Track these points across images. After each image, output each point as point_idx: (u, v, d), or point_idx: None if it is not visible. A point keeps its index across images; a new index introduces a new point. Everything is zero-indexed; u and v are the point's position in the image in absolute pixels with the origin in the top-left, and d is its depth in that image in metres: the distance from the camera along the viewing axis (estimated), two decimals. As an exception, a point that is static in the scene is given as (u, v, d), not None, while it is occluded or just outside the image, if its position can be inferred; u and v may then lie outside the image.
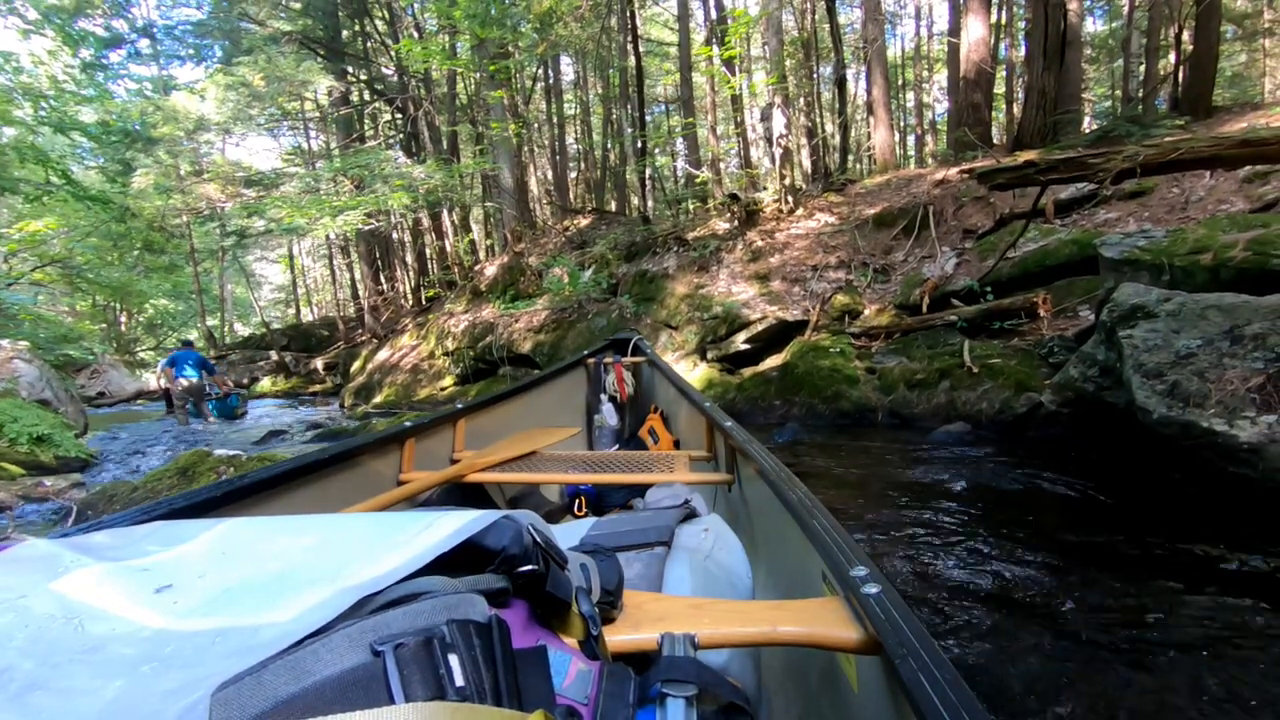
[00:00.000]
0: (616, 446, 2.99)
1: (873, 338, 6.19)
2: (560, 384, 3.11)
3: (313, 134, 19.21)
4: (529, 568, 0.59)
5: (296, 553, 0.59)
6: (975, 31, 10.29)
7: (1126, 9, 15.32)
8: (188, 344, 11.87)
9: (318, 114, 17.09)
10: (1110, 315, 3.34)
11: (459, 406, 2.22)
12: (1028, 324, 5.23)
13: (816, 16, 13.95)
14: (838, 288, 7.16)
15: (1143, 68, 14.64)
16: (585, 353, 3.40)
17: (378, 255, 18.53)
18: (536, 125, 18.43)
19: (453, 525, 0.57)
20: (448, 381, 11.60)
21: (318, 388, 16.76)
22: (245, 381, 18.36)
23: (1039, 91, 9.46)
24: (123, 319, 27.61)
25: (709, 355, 7.07)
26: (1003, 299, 5.53)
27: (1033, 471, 3.50)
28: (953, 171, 8.45)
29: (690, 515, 1.26)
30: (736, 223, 8.84)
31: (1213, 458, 2.53)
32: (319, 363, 17.92)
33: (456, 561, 0.54)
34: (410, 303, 16.73)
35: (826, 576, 0.90)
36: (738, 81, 8.88)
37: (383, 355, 14.16)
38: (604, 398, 3.23)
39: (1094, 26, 19.68)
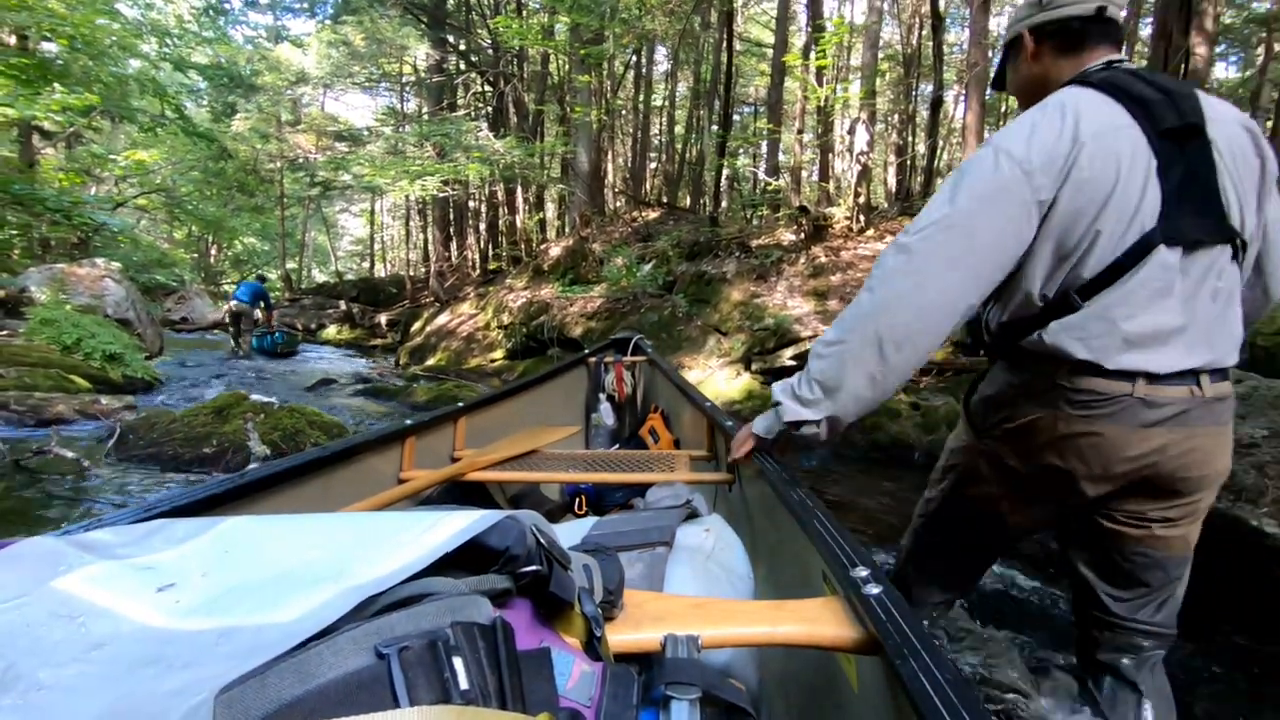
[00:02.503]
0: (616, 446, 2.97)
1: (924, 372, 5.99)
2: (561, 383, 3.11)
3: (408, 97, 19.79)
4: (532, 568, 0.59)
5: (299, 552, 0.59)
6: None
7: (1261, 59, 14.28)
8: (261, 279, 12.49)
9: (414, 78, 17.57)
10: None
11: (459, 405, 2.23)
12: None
13: (923, 33, 13.49)
14: (896, 316, 6.93)
15: (1269, 124, 13.65)
16: (586, 351, 3.41)
17: (451, 221, 18.97)
18: (622, 112, 18.48)
19: (456, 525, 0.57)
20: (498, 354, 11.81)
21: (378, 342, 17.28)
22: (313, 326, 19.08)
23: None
24: (213, 251, 29.11)
25: (753, 366, 6.98)
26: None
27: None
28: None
29: (692, 515, 1.27)
30: (803, 235, 8.67)
31: (1259, 556, 2.35)
32: (383, 318, 18.45)
33: (460, 561, 0.55)
34: (476, 272, 17.06)
35: (827, 576, 0.90)
36: (826, 91, 8.67)
37: (442, 319, 14.49)
38: (602, 397, 3.24)
39: (1225, 72, 18.42)
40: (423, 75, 17.35)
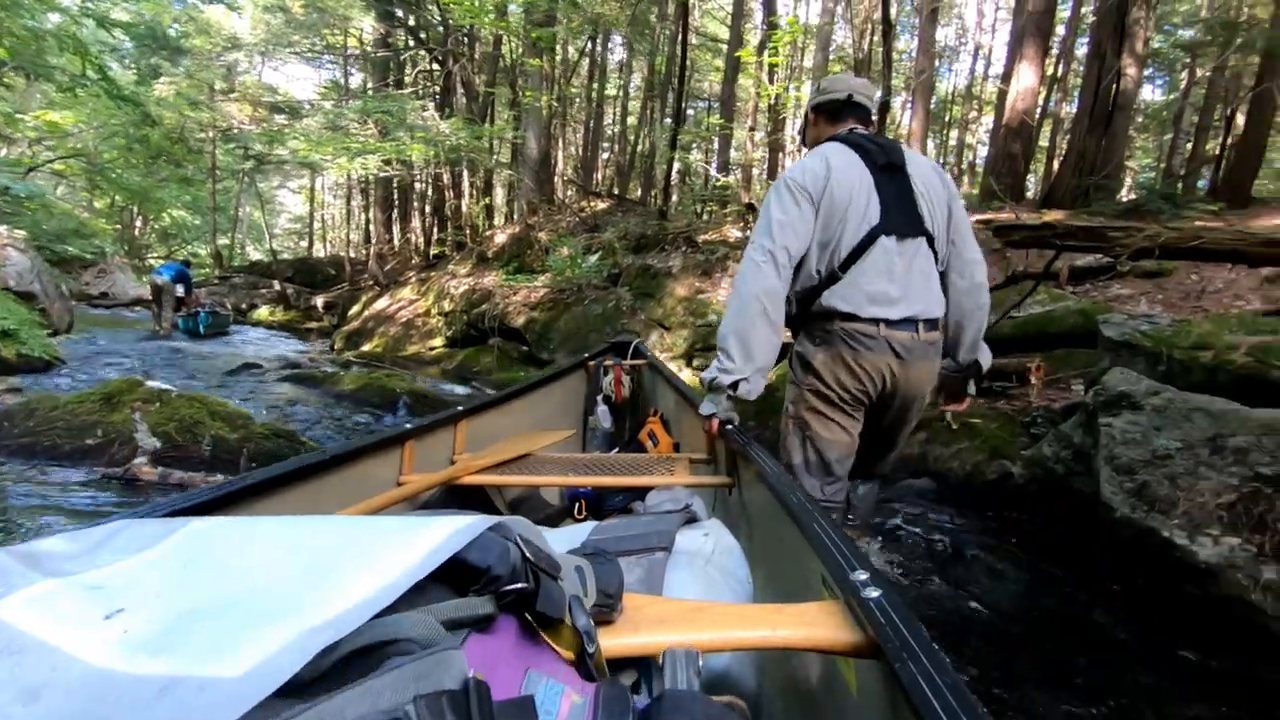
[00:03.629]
0: (616, 449, 2.95)
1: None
2: (561, 386, 3.11)
3: (353, 72, 19.01)
4: (517, 586, 0.56)
5: (263, 567, 0.54)
6: (1025, 80, 10.05)
7: (1185, 83, 15.02)
8: (187, 263, 11.83)
9: (359, 52, 16.88)
10: (1095, 399, 3.19)
11: (459, 408, 2.23)
12: (1017, 389, 5.08)
13: (874, 39, 13.69)
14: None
15: (1190, 145, 14.38)
16: (585, 355, 3.43)
17: (395, 203, 18.36)
18: (575, 102, 18.19)
19: (436, 538, 0.53)
20: (438, 342, 11.49)
21: (314, 325, 16.69)
22: (244, 306, 18.33)
23: (1079, 153, 9.24)
24: (138, 223, 27.58)
25: (695, 363, 6.94)
26: (997, 358, 5.37)
27: (990, 541, 3.37)
28: (973, 219, 8.26)
29: (691, 519, 1.29)
30: (748, 233, 8.66)
31: (1168, 571, 2.39)
32: (320, 300, 17.81)
33: (440, 574, 0.51)
34: (419, 256, 16.58)
35: (826, 580, 0.90)
36: (778, 89, 8.68)
37: (381, 304, 14.06)
38: (601, 400, 3.25)
39: (1151, 94, 19.32)
40: (368, 50, 16.71)
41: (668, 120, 14.22)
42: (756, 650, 0.94)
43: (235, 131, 11.76)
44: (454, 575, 0.53)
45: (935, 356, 1.86)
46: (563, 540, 0.95)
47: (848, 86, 1.92)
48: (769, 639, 0.76)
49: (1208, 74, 13.68)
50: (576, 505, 2.26)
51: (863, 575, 0.80)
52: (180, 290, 10.89)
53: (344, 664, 0.42)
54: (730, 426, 1.77)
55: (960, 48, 22.94)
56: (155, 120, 11.42)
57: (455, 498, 1.89)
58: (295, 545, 0.57)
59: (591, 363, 3.32)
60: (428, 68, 14.99)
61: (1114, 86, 9.25)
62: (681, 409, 2.66)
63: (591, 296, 8.93)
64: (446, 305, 11.65)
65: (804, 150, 2.06)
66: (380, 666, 0.42)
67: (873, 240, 1.73)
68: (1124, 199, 10.31)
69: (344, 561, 0.52)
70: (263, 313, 18.05)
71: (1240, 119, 9.52)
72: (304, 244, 29.69)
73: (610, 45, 18.68)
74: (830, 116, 1.94)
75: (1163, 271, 6.12)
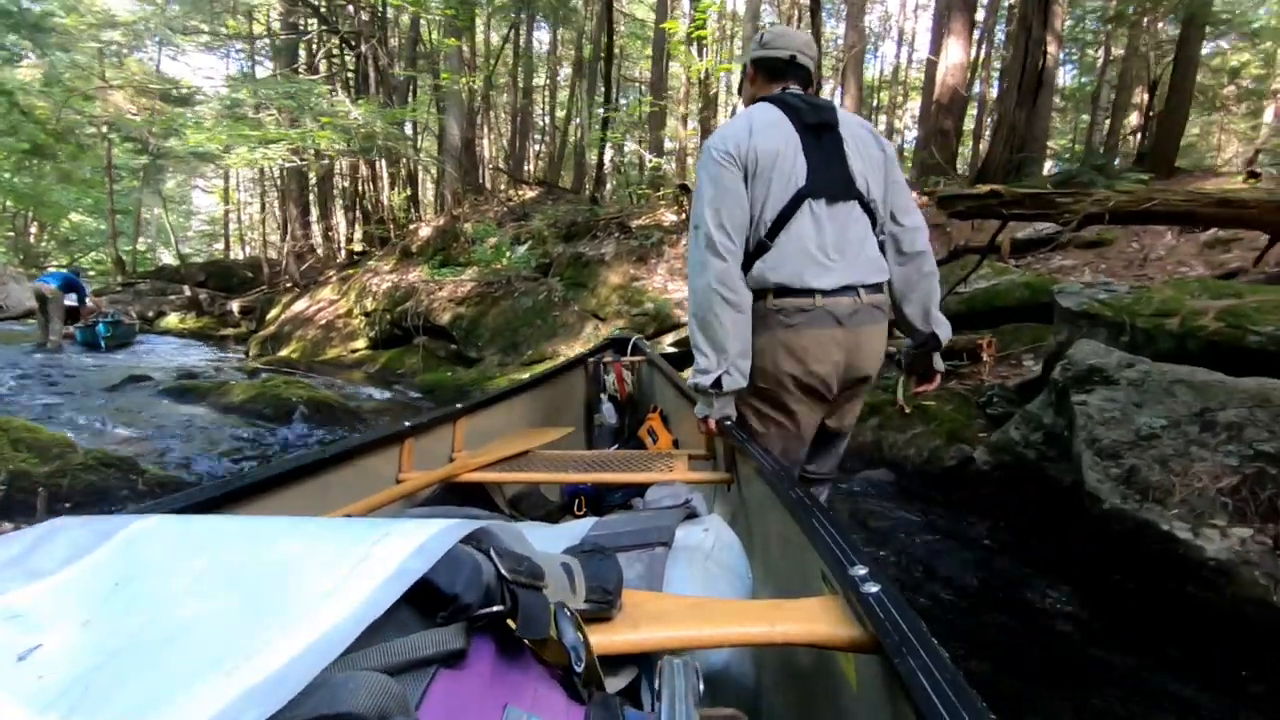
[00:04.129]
0: (616, 446, 2.94)
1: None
2: (560, 383, 3.12)
3: (264, 60, 17.72)
4: (490, 610, 0.50)
5: (206, 589, 0.47)
6: (954, 55, 9.97)
7: (1100, 62, 15.42)
8: (76, 271, 10.83)
9: (269, 40, 15.70)
10: (1064, 375, 2.90)
11: (458, 406, 2.19)
12: (968, 367, 4.83)
13: (801, 23, 13.54)
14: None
15: (1108, 122, 14.78)
16: (584, 352, 3.46)
17: (313, 199, 17.31)
18: (503, 90, 17.49)
19: (397, 556, 0.46)
20: (360, 344, 10.75)
21: (230, 331, 15.68)
22: (150, 314, 17.18)
23: (1009, 126, 9.20)
24: (33, 230, 25.71)
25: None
26: (947, 336, 5.12)
27: (953, 538, 3.06)
28: (912, 195, 8.09)
29: (691, 515, 1.27)
30: (685, 215, 8.28)
31: (1170, 570, 2.08)
32: (235, 305, 16.78)
33: (408, 594, 0.45)
34: (342, 254, 15.66)
35: (825, 575, 0.87)
36: (707, 64, 8.29)
37: (299, 306, 13.22)
38: (604, 397, 3.25)
39: (1064, 79, 19.88)
40: (276, 36, 15.56)
41: (599, 103, 13.72)
42: (756, 646, 0.95)
43: (118, 123, 10.59)
44: (421, 596, 0.48)
45: (883, 320, 1.69)
46: (563, 536, 0.94)
47: (790, 45, 1.75)
48: (769, 635, 0.76)
49: (1122, 53, 14.05)
50: (576, 501, 2.25)
51: (862, 570, 0.79)
52: (73, 299, 9.91)
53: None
54: (728, 423, 1.68)
55: (885, 33, 23.17)
56: (26, 111, 10.20)
57: (455, 495, 1.90)
58: (245, 559, 0.51)
59: (590, 360, 3.33)
60: (338, 52, 14.02)
61: (1040, 61, 9.27)
62: (680, 405, 2.63)
63: (521, 289, 8.38)
64: (369, 304, 10.92)
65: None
66: None
67: (799, 203, 1.59)
68: (1050, 175, 10.37)
69: (297, 582, 0.47)
70: (171, 320, 16.91)
71: (1160, 91, 9.68)
72: (219, 246, 28.02)
73: (536, 32, 18.04)
74: (770, 74, 1.78)
75: (1103, 241, 6.02)
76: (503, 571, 0.52)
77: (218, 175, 24.96)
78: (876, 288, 1.66)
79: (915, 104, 23.54)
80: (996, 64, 15.96)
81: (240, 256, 24.78)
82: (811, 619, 0.77)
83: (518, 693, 0.51)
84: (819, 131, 1.63)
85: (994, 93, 16.90)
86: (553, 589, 0.60)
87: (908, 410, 4.38)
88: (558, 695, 0.55)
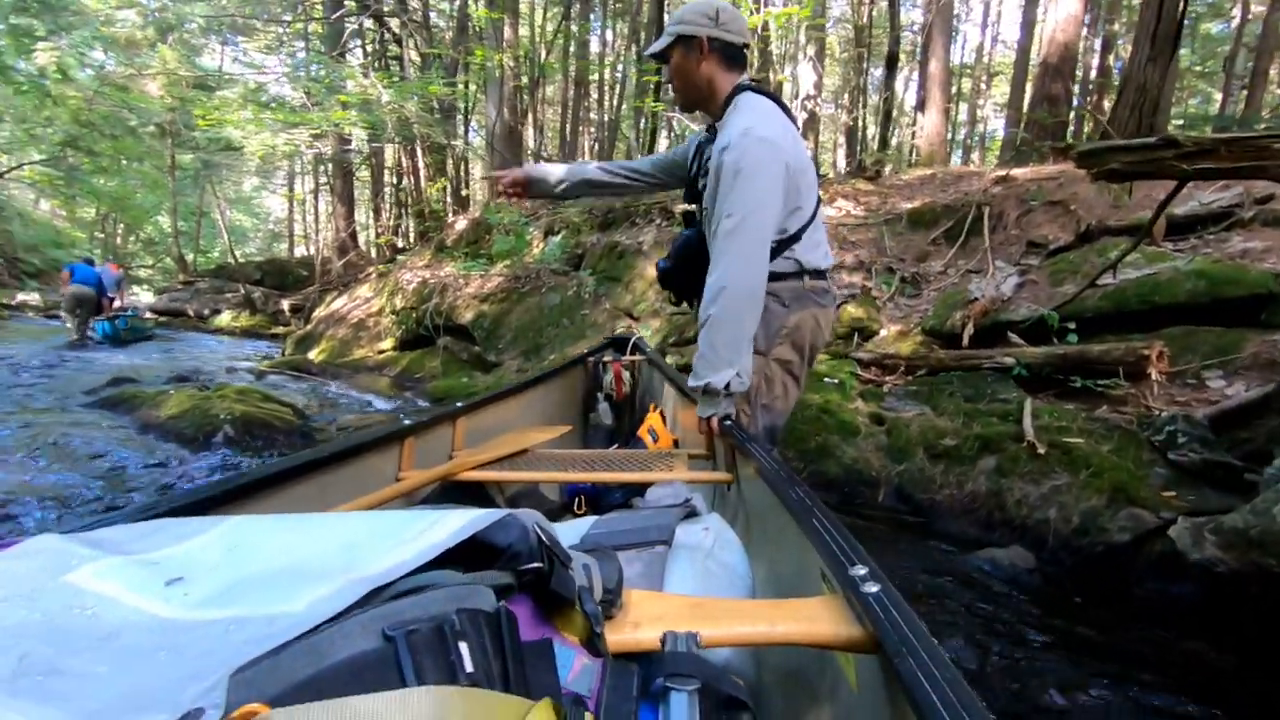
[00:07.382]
0: (615, 445, 2.90)
1: (888, 369, 4.46)
2: (559, 382, 3.12)
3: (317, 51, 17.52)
4: (534, 565, 0.58)
5: (303, 548, 0.58)
6: (1065, 7, 8.39)
7: (1237, 23, 13.29)
8: (118, 265, 10.97)
9: (307, 22, 15.31)
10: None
11: (458, 405, 2.19)
12: (1126, 387, 3.46)
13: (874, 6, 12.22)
14: (851, 294, 5.39)
15: (1244, 94, 12.72)
16: (585, 351, 3.47)
17: (368, 195, 16.96)
18: (554, 79, 16.70)
19: (459, 521, 0.57)
20: (387, 345, 9.98)
21: (280, 330, 15.43)
22: (205, 312, 17.33)
23: (1138, 86, 7.58)
24: (119, 231, 26.81)
25: (668, 359, 5.37)
26: (1090, 343, 3.73)
27: (1148, 671, 1.80)
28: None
29: (691, 514, 1.26)
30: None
31: None
32: (286, 303, 16.61)
33: (461, 557, 0.54)
34: (387, 249, 15.16)
35: (826, 575, 0.87)
36: (765, 15, 7.03)
37: (339, 304, 12.69)
38: (600, 396, 3.27)
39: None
40: (320, 23, 15.16)
41: (649, 68, 12.66)
42: (757, 645, 0.94)
43: (151, 110, 10.21)
44: (474, 557, 0.56)
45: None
46: (564, 534, 0.97)
47: (745, 32, 1.78)
48: (769, 634, 0.76)
49: (1264, 9, 12.06)
50: (576, 501, 2.22)
51: (862, 570, 0.78)
52: (112, 293, 10.48)
53: (394, 600, 0.47)
54: (729, 422, 1.68)
55: (966, 17, 21.29)
56: (58, 100, 9.89)
57: (454, 493, 1.85)
58: (328, 532, 0.61)
59: (590, 359, 3.35)
60: (378, 34, 13.40)
61: (1177, 5, 7.63)
62: (681, 404, 2.59)
63: (550, 284, 7.37)
64: (399, 302, 10.16)
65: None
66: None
67: (819, 203, 1.81)
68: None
69: (376, 542, 0.56)
70: (224, 319, 16.97)
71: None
72: (283, 246, 28.58)
73: (591, 24, 17.15)
74: (728, 60, 1.76)
75: (1301, 216, 4.48)
76: (544, 539, 0.61)
77: (280, 178, 25.31)
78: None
79: (998, 92, 21.52)
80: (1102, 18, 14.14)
81: (303, 256, 25.09)
82: (811, 619, 0.77)
83: (551, 634, 0.60)
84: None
85: (1095, 62, 15.06)
86: (577, 575, 0.67)
87: (1040, 450, 3.08)
88: (581, 648, 0.63)
